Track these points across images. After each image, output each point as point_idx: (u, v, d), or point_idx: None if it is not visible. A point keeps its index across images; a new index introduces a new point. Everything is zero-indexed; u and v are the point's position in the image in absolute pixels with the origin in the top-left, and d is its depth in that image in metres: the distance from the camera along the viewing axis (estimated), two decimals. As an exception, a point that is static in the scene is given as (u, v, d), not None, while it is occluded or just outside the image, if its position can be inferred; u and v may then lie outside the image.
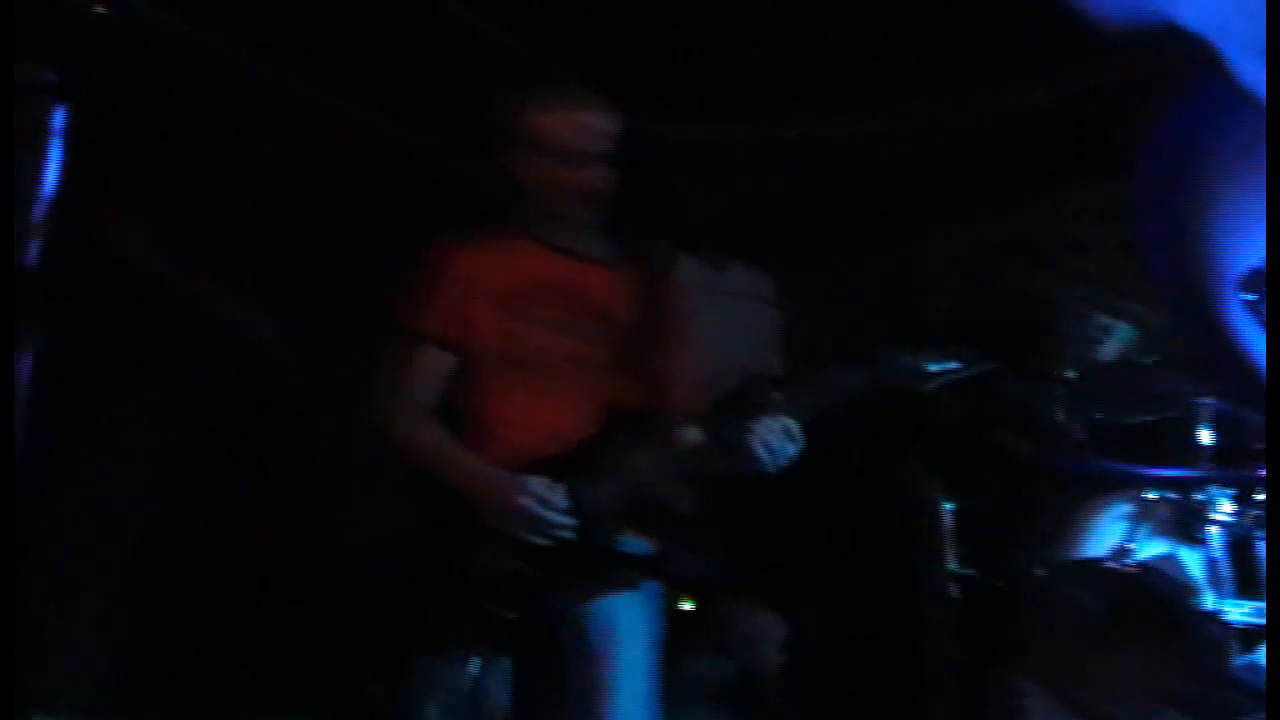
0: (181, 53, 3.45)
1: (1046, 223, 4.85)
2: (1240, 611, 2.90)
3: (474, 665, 2.73)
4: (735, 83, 4.57)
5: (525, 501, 2.75)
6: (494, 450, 2.90)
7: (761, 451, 2.66)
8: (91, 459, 3.46)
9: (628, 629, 2.80)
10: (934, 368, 2.73)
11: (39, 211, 1.24)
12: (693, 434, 2.93)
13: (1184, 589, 2.98)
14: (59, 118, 1.20)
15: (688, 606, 4.25)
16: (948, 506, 3.69)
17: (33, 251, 1.24)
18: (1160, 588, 3.02)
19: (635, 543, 2.84)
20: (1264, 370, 2.18)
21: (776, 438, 2.66)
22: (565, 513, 2.75)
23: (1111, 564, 3.03)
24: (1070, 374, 3.25)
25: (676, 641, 3.98)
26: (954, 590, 3.66)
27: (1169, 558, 3.05)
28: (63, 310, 1.27)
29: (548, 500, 2.75)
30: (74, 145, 1.25)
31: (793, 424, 2.67)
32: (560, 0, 4.01)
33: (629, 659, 2.78)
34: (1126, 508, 3.15)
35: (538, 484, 2.77)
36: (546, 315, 2.93)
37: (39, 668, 3.49)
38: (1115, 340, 3.25)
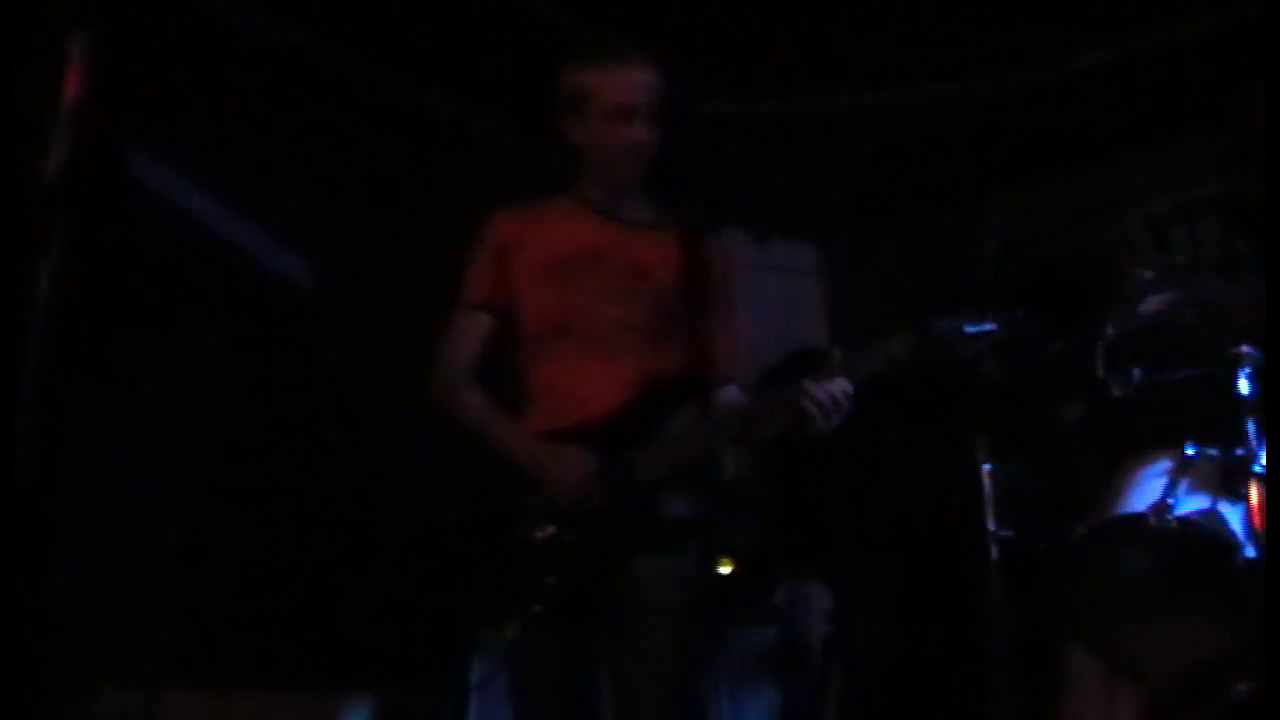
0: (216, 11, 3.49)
1: (1093, 186, 4.82)
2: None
3: (512, 630, 2.76)
4: (780, 55, 4.58)
5: (558, 469, 2.78)
6: (542, 416, 2.92)
7: (814, 410, 2.68)
8: (117, 412, 3.50)
9: (669, 595, 2.81)
10: (971, 330, 2.73)
11: (58, 139, 1.27)
12: (741, 397, 2.95)
13: (1226, 544, 2.95)
14: (80, 44, 1.23)
15: (726, 570, 4.26)
16: (991, 469, 3.67)
17: (49, 180, 1.27)
18: (1202, 542, 2.99)
19: (679, 506, 2.86)
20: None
21: (828, 397, 2.67)
22: (602, 481, 2.77)
23: (1153, 520, 3.00)
24: (1110, 331, 3.22)
25: (720, 608, 4.01)
26: (1000, 555, 3.64)
27: (1210, 513, 3.02)
28: (82, 244, 1.29)
29: (584, 470, 2.78)
30: (95, 73, 1.28)
31: (845, 386, 2.69)
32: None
33: (670, 625, 2.80)
34: (1167, 464, 3.12)
35: (574, 453, 2.80)
36: (593, 282, 2.94)
37: (99, 641, 3.55)
38: (1155, 296, 3.22)
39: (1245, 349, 2.98)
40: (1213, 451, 3.10)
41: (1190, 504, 3.03)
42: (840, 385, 2.69)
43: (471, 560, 2.89)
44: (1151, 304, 3.24)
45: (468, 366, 2.99)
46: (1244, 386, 2.99)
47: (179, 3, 3.43)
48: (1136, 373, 3.22)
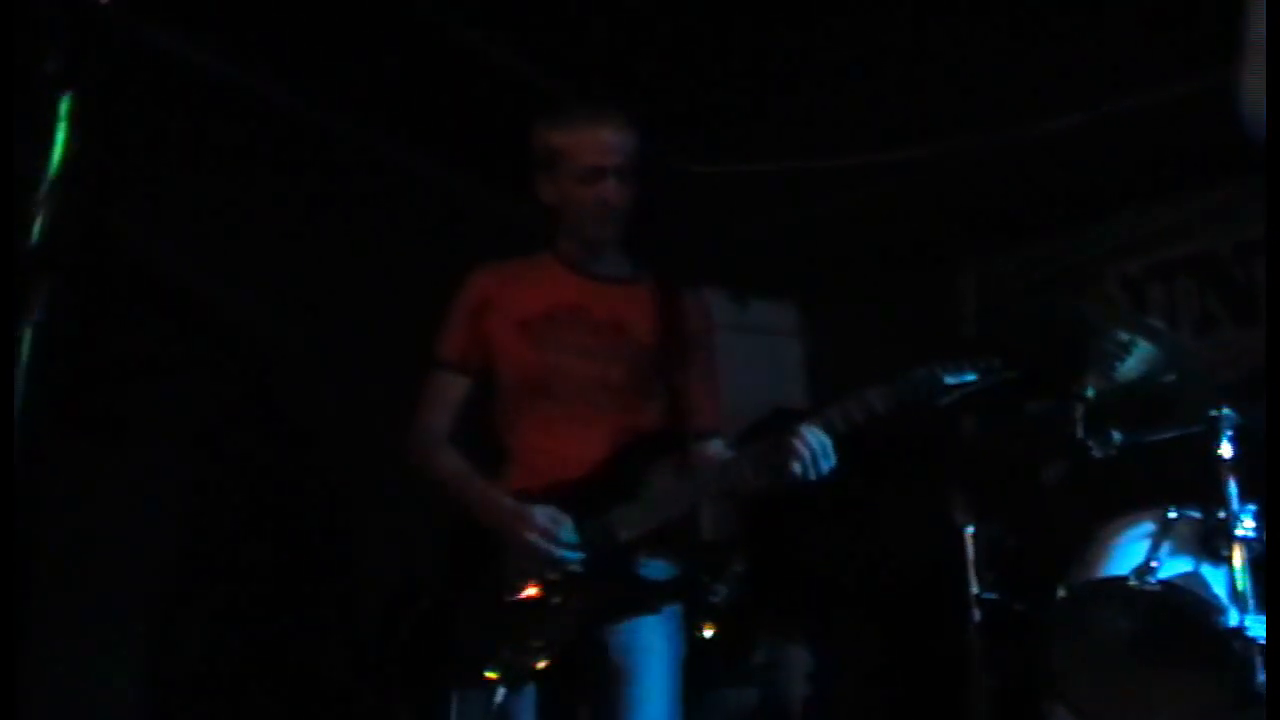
0: (194, 70, 3.50)
1: (1070, 249, 4.86)
2: (1265, 628, 2.85)
3: (499, 693, 2.73)
4: (759, 116, 4.61)
5: (530, 536, 2.75)
6: (521, 475, 2.90)
7: (795, 466, 2.66)
8: (99, 463, 3.48)
9: (649, 655, 2.79)
10: (951, 380, 2.73)
11: (44, 200, 1.26)
12: (721, 453, 2.94)
13: (1208, 607, 2.94)
14: (65, 105, 1.22)
15: (709, 634, 4.24)
16: (972, 530, 3.66)
17: (38, 241, 1.26)
18: (1184, 606, 2.98)
19: (659, 567, 2.84)
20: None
21: (811, 447, 2.66)
22: (573, 544, 2.75)
23: (1135, 583, 2.99)
24: (1089, 392, 3.23)
25: (700, 669, 3.98)
26: (981, 615, 3.63)
27: (1193, 575, 3.01)
28: (69, 304, 1.28)
29: (551, 533, 2.75)
30: (81, 134, 1.27)
31: (825, 439, 2.67)
32: (590, 37, 4.06)
33: (651, 685, 2.78)
34: (1149, 526, 3.12)
35: (544, 516, 2.77)
36: (569, 339, 2.93)
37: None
38: (1134, 357, 3.22)
39: (1225, 410, 2.98)
40: (1194, 513, 3.10)
41: (1173, 566, 3.02)
42: (819, 435, 2.68)
43: (457, 622, 2.86)
44: (1130, 365, 3.25)
45: (442, 428, 2.98)
46: (1225, 448, 2.99)
47: (163, 63, 3.43)
48: (1116, 434, 3.22)
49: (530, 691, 2.78)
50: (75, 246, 1.24)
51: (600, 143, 2.93)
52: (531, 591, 2.78)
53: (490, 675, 2.74)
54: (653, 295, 3.04)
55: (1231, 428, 2.99)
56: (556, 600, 2.76)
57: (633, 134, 2.98)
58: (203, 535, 4.18)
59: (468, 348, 3.00)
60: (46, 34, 1.23)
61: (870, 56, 4.13)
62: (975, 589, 3.63)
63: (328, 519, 4.57)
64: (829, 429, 2.69)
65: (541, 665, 2.73)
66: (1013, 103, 4.34)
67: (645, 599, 2.80)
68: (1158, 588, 2.97)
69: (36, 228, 1.21)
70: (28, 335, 1.23)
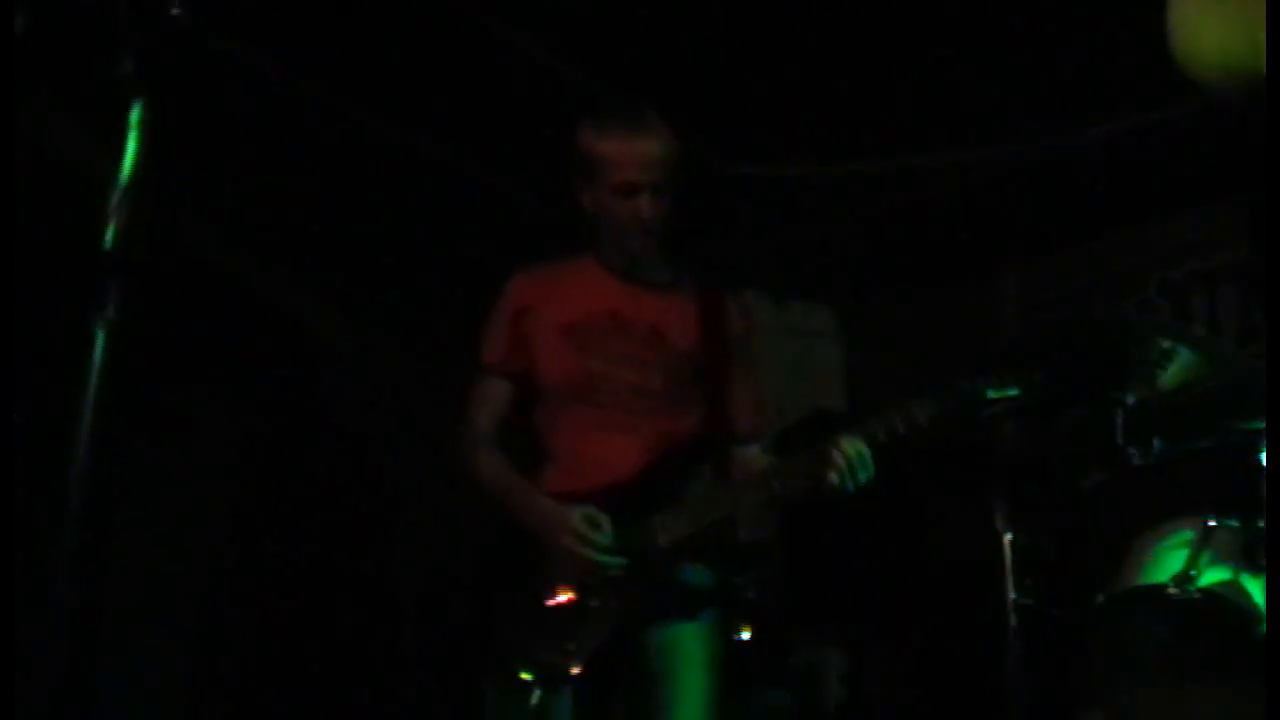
0: (260, 78, 3.55)
1: (1112, 255, 4.85)
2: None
3: (536, 696, 2.75)
4: (800, 120, 4.63)
5: (568, 540, 2.78)
6: (562, 478, 2.92)
7: (833, 477, 2.68)
8: (158, 460, 3.53)
9: (687, 659, 2.80)
10: (993, 394, 2.74)
11: (117, 205, 1.30)
12: (758, 459, 2.95)
13: (1247, 616, 2.94)
14: (136, 111, 1.26)
15: (746, 636, 4.26)
16: (1011, 536, 3.66)
17: (109, 242, 1.30)
18: (1223, 615, 2.97)
19: (697, 572, 2.86)
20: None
21: (850, 459, 2.68)
22: (611, 549, 2.77)
23: (1174, 591, 2.99)
24: (1130, 399, 3.23)
25: (736, 672, 4.00)
26: (1018, 622, 3.62)
27: (1231, 584, 3.01)
28: (138, 305, 1.32)
29: (590, 537, 2.77)
30: (151, 140, 1.31)
31: (865, 450, 2.69)
32: (630, 35, 4.08)
33: (687, 689, 2.79)
34: (1188, 534, 3.11)
35: (583, 520, 2.79)
36: (610, 346, 2.95)
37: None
38: (1177, 365, 3.22)
39: (1265, 420, 2.98)
40: (1233, 522, 3.09)
41: (1212, 575, 3.01)
42: (859, 446, 2.69)
43: (495, 622, 2.88)
44: (1171, 373, 3.25)
45: (489, 431, 3.00)
46: (1265, 457, 2.98)
47: (231, 71, 3.49)
48: (1157, 442, 3.22)
49: (567, 694, 2.80)
50: (147, 249, 1.28)
51: (638, 157, 2.91)
52: (569, 594, 2.80)
53: (526, 676, 2.76)
54: (694, 300, 3.04)
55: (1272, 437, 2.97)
56: (594, 603, 2.78)
57: (675, 142, 2.96)
58: (253, 530, 4.23)
59: (509, 352, 3.02)
60: (118, 41, 1.27)
61: (912, 60, 4.14)
62: (1013, 595, 3.63)
63: (375, 518, 4.62)
64: (870, 440, 2.70)
65: (578, 668, 2.75)
66: (1056, 106, 4.33)
67: (683, 604, 2.82)
68: (1197, 596, 2.97)
69: (110, 231, 1.25)
70: (102, 335, 1.26)
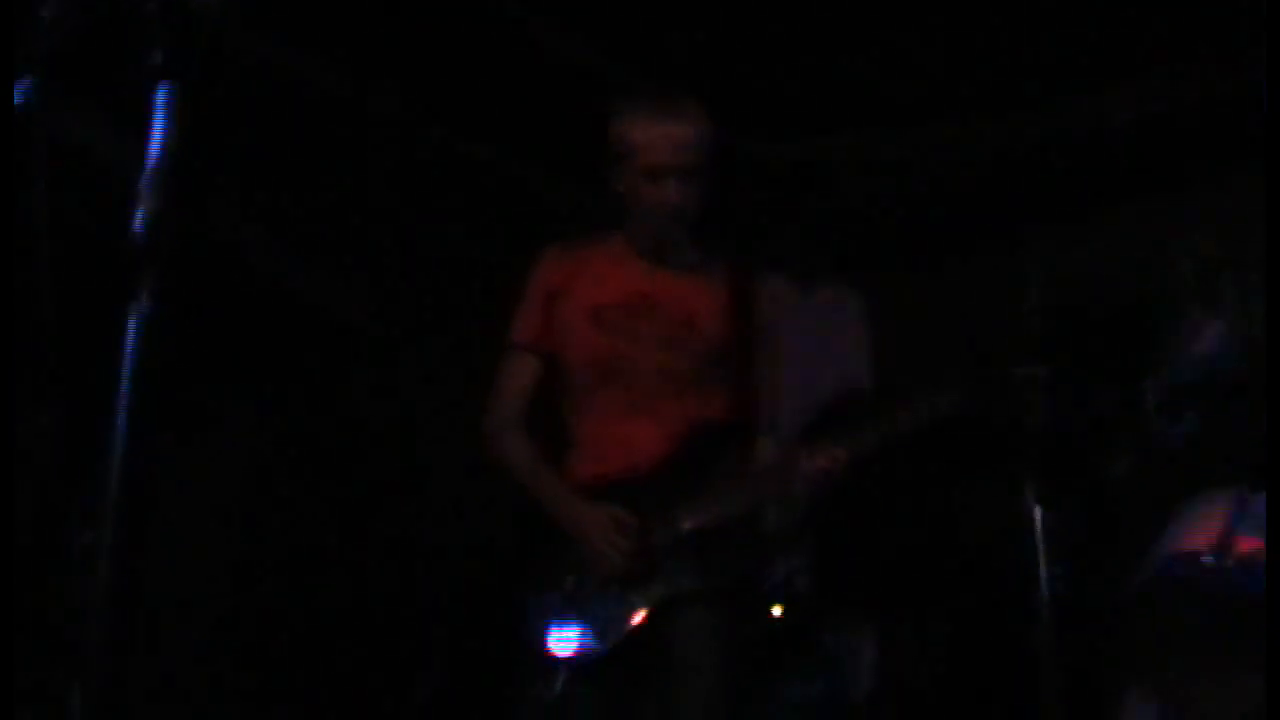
0: (280, 68, 3.56)
1: (1134, 228, 4.81)
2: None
3: (560, 680, 2.76)
4: (822, 96, 4.61)
5: (595, 544, 2.77)
6: (587, 463, 2.93)
7: (802, 492, 2.70)
8: (188, 454, 3.54)
9: (709, 645, 2.80)
10: (1018, 379, 2.72)
11: (144, 191, 1.30)
12: (775, 455, 2.94)
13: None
14: (162, 96, 1.26)
15: (778, 613, 4.25)
16: (1042, 515, 3.64)
17: (140, 232, 1.30)
18: (1260, 584, 2.96)
19: (721, 559, 2.85)
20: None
21: (813, 477, 2.69)
22: (637, 550, 2.76)
23: (1209, 560, 2.97)
24: (1161, 373, 3.21)
25: (766, 661, 3.99)
26: (1052, 602, 3.61)
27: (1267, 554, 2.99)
28: (172, 296, 1.32)
29: (617, 543, 2.76)
30: (179, 127, 1.31)
31: (839, 454, 2.70)
32: (650, 15, 4.07)
33: (710, 675, 2.78)
34: (1222, 503, 3.10)
35: (610, 522, 2.78)
36: (639, 329, 2.95)
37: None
38: (1206, 339, 3.20)
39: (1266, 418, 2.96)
40: (1268, 491, 3.08)
41: (1247, 543, 3.00)
42: (831, 458, 2.68)
43: (520, 608, 2.88)
44: (1202, 345, 3.22)
45: (517, 410, 3.00)
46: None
47: (260, 58, 3.49)
48: (1189, 415, 3.20)
49: (591, 679, 2.79)
50: (178, 239, 1.28)
51: (669, 142, 2.91)
52: (593, 580, 2.80)
53: (557, 665, 2.76)
54: (723, 285, 3.04)
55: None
56: (616, 590, 2.78)
57: (707, 127, 2.96)
58: (281, 528, 4.24)
59: (542, 332, 3.02)
60: (148, 28, 1.27)
61: (936, 29, 4.12)
62: (1045, 577, 3.61)
63: (405, 514, 4.63)
64: (894, 431, 2.70)
65: (601, 654, 2.74)
66: (1083, 77, 4.31)
67: (706, 590, 2.81)
68: (1232, 565, 2.95)
69: (139, 215, 1.25)
70: (134, 326, 1.26)
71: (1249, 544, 3.00)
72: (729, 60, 4.29)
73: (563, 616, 2.80)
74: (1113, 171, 4.78)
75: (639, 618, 2.77)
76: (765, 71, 4.40)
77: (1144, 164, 4.69)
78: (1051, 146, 4.66)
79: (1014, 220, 5.07)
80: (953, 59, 4.31)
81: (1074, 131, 4.56)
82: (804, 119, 4.72)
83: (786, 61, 4.36)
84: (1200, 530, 3.06)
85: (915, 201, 5.05)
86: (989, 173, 4.85)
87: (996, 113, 4.50)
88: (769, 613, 4.14)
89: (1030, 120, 4.51)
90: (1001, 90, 4.42)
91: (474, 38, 4.02)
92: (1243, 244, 4.40)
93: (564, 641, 2.78)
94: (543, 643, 2.83)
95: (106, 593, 1.31)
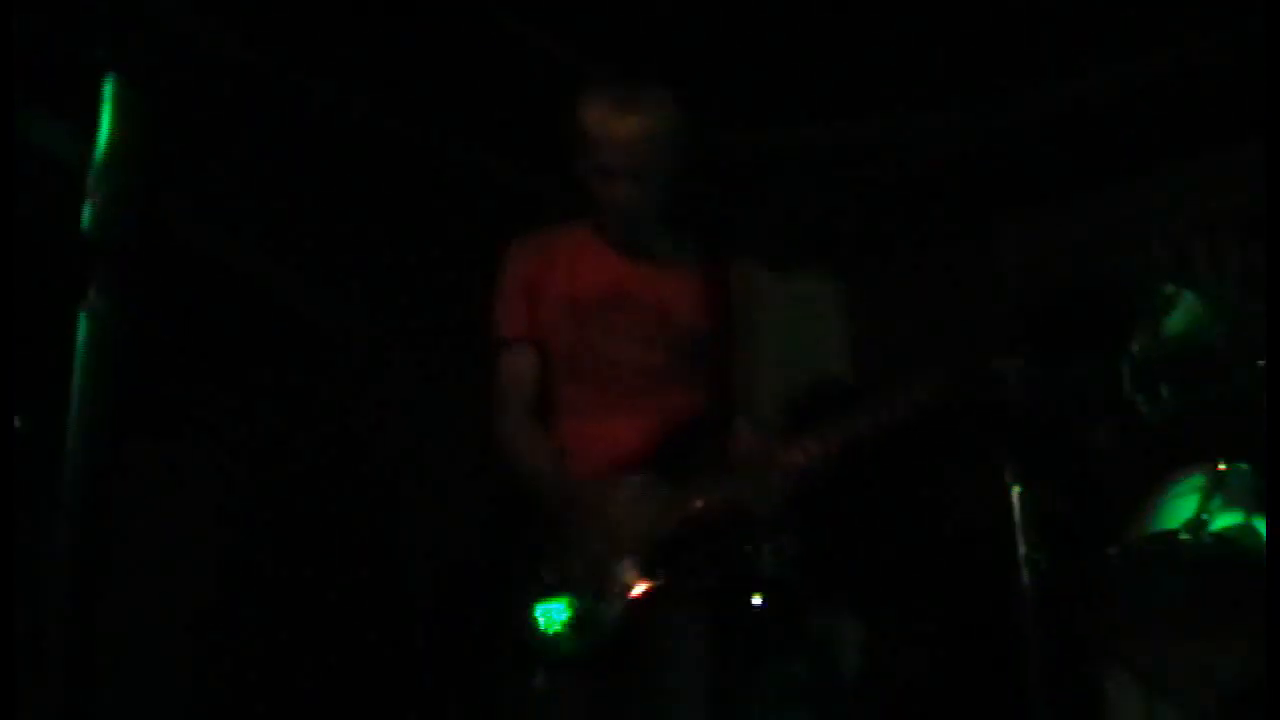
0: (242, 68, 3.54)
1: (1106, 206, 4.82)
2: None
3: (540, 676, 2.74)
4: (794, 85, 4.59)
5: (613, 509, 2.74)
6: (569, 462, 2.89)
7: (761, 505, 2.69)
8: (156, 458, 3.52)
9: (691, 642, 2.78)
10: (999, 368, 2.71)
11: (93, 186, 1.28)
12: (753, 442, 2.92)
13: (1260, 559, 2.93)
14: (109, 88, 1.24)
15: (758, 602, 4.25)
16: (1020, 492, 3.64)
17: (88, 227, 1.28)
18: (1236, 559, 2.96)
19: (703, 550, 2.82)
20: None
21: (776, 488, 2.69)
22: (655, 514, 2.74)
23: (1186, 537, 2.97)
24: (1136, 349, 3.21)
25: (751, 643, 3.99)
26: (1031, 578, 3.61)
27: (1244, 528, 3.00)
28: (127, 293, 1.30)
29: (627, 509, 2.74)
30: (127, 120, 1.29)
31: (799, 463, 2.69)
32: (628, 6, 4.04)
33: (690, 671, 2.77)
34: (1199, 480, 3.10)
35: (626, 492, 2.76)
36: (613, 324, 2.91)
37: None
38: (1181, 311, 3.20)
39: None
40: (1244, 466, 3.08)
41: (1224, 520, 3.00)
42: (807, 452, 2.65)
43: (498, 607, 2.86)
44: (1176, 320, 3.23)
45: (529, 406, 2.93)
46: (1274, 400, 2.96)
47: (215, 52, 3.46)
48: (1165, 390, 3.20)
49: (574, 674, 2.78)
50: (130, 235, 1.26)
51: (621, 142, 2.82)
52: (581, 571, 2.78)
53: (532, 656, 2.75)
54: (698, 273, 3.00)
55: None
56: (597, 584, 2.76)
57: (670, 119, 2.88)
58: (258, 529, 4.22)
59: (530, 321, 2.95)
60: (93, 20, 1.25)
61: (906, 18, 4.11)
62: (1023, 551, 3.61)
63: (384, 514, 4.61)
64: (877, 428, 2.68)
65: (584, 648, 2.73)
66: (1053, 59, 4.31)
67: (688, 585, 2.79)
68: (1210, 541, 2.96)
69: (87, 212, 1.23)
70: (84, 323, 1.24)
71: (1224, 521, 3.00)
72: (702, 48, 4.27)
73: (546, 609, 2.78)
74: (1086, 154, 4.79)
75: (620, 611, 2.74)
76: (738, 60, 4.38)
77: (1116, 146, 4.69)
78: (1025, 130, 4.66)
79: (989, 204, 5.08)
80: (926, 46, 4.30)
81: (1047, 116, 4.56)
82: (777, 107, 4.70)
83: (759, 50, 4.34)
84: (1175, 510, 3.07)
85: (890, 188, 5.04)
86: (963, 158, 4.84)
87: (970, 98, 4.49)
88: (749, 603, 4.13)
89: (1004, 105, 4.50)
90: (974, 76, 4.41)
91: (440, 29, 3.99)
92: (1211, 213, 4.42)
93: (546, 634, 2.76)
94: (526, 636, 2.81)
95: (67, 591, 1.30)
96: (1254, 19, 2.89)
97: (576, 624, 2.73)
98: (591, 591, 2.73)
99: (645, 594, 2.75)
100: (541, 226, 3.08)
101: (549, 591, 2.77)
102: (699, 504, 2.77)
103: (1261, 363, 2.97)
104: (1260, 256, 4.57)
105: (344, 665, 4.41)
